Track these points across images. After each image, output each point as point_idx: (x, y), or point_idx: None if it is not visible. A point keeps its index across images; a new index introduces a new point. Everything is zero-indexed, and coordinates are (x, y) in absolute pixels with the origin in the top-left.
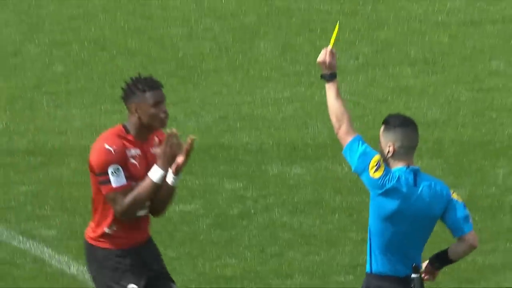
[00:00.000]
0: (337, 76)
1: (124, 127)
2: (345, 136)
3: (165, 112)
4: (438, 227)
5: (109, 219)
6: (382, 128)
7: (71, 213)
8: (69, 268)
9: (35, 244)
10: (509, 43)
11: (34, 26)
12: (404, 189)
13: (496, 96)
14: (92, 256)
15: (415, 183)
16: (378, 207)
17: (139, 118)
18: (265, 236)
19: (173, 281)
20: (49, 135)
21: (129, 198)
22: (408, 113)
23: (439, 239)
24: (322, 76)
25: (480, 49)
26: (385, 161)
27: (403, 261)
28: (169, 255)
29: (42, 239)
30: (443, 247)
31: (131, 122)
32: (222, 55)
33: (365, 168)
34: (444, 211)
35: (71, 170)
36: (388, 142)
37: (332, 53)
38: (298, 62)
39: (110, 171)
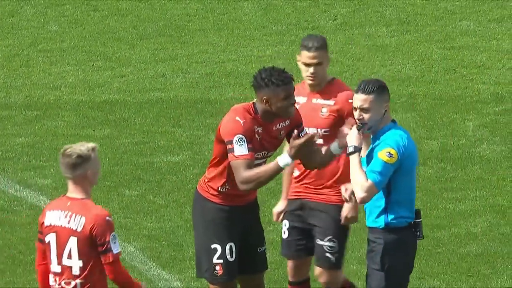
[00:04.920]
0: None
1: (254, 106)
2: (370, 189)
3: (293, 104)
4: None
5: (223, 180)
6: (374, 95)
7: None
8: None
9: (31, 193)
10: (478, 4)
11: None
12: (407, 144)
13: (466, 54)
14: (199, 206)
15: (405, 132)
16: (400, 168)
17: (269, 107)
18: None
19: (262, 244)
20: (44, 90)
21: (250, 172)
22: (383, 70)
23: None
24: (351, 151)
25: (451, 10)
26: (370, 127)
27: (411, 209)
28: (158, 202)
29: (38, 188)
30: None
31: (260, 107)
32: (208, 15)
33: (391, 166)
34: None
35: (65, 123)
36: (384, 103)
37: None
38: (280, 22)
39: (235, 140)
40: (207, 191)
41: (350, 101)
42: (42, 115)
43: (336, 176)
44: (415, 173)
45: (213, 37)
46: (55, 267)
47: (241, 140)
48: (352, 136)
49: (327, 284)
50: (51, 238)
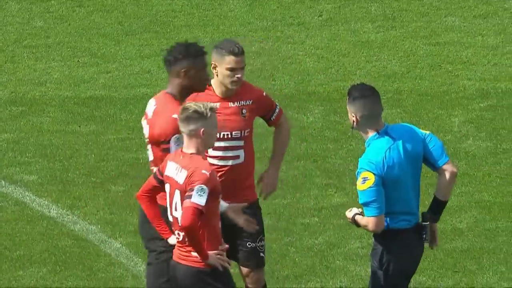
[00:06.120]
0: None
1: (171, 94)
2: (373, 222)
3: (207, 80)
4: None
5: None
6: (347, 98)
7: (50, 159)
8: (49, 211)
9: (16, 189)
10: (464, 0)
11: None
12: (388, 156)
13: (452, 50)
14: None
15: (393, 139)
16: (385, 182)
17: (188, 81)
18: None
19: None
20: (30, 86)
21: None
22: (369, 66)
23: None
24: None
25: (437, 6)
26: (354, 129)
27: (414, 211)
28: None
29: (23, 184)
30: None
31: (174, 86)
32: (194, 11)
33: (374, 187)
34: (423, 146)
35: (51, 119)
36: (351, 113)
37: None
38: (265, 18)
39: (173, 139)
40: None
41: (264, 94)
42: (27, 111)
43: (250, 178)
44: (411, 177)
45: (199, 33)
46: (170, 217)
47: (177, 140)
48: (351, 213)
49: (256, 283)
50: (167, 188)
